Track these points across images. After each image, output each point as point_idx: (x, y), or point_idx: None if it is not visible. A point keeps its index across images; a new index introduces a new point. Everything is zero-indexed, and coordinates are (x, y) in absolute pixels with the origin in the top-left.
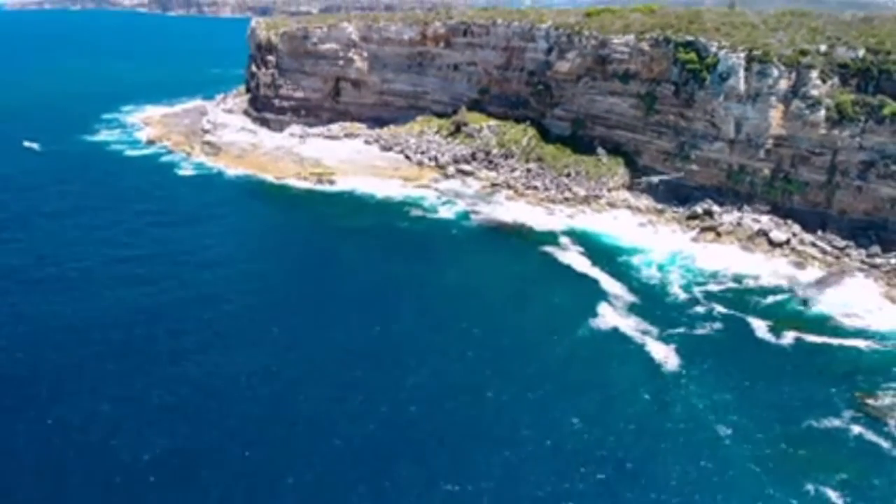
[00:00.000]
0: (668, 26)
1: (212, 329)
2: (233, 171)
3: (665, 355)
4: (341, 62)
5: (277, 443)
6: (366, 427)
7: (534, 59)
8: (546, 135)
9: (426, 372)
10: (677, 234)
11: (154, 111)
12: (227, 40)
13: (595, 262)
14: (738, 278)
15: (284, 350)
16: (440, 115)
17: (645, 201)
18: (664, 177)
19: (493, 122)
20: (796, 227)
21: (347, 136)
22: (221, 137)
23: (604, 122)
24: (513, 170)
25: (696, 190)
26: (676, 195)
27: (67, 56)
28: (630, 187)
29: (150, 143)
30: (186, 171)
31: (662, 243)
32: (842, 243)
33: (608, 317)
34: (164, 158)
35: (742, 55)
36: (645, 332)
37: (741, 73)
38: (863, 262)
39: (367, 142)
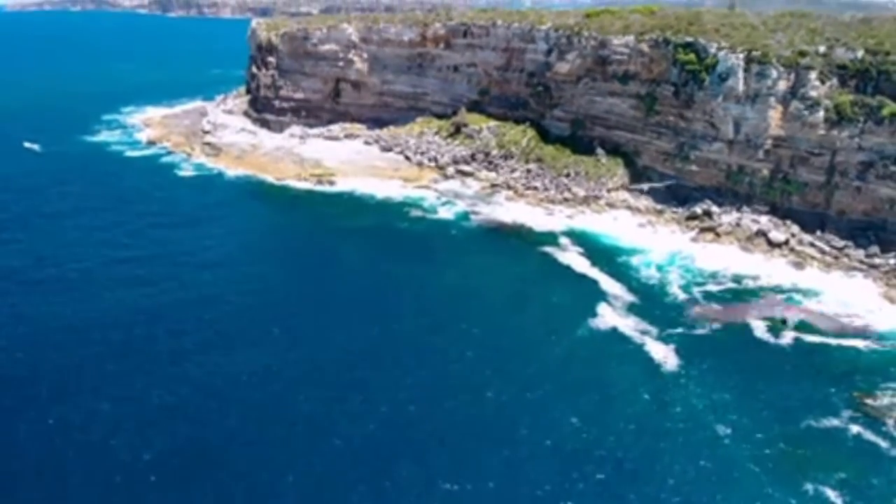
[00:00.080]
0: (667, 27)
1: (212, 329)
2: (233, 171)
3: (664, 355)
4: (341, 63)
5: (277, 443)
6: (366, 427)
7: (533, 61)
8: (546, 136)
9: (426, 372)
10: (676, 234)
11: (154, 112)
12: (227, 41)
13: (594, 263)
14: (737, 278)
15: (284, 350)
16: (440, 116)
17: (644, 202)
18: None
19: (492, 123)
20: (795, 228)
21: (347, 136)
22: (222, 138)
23: (603, 123)
24: (512, 170)
25: (695, 190)
26: (676, 196)
27: (67, 57)
28: (629, 189)
29: (151, 143)
30: (187, 171)
31: (662, 243)
32: (840, 244)
33: (607, 317)
34: (165, 159)
35: (741, 56)
36: (644, 332)
37: (740, 74)
38: (861, 262)
39: (367, 142)
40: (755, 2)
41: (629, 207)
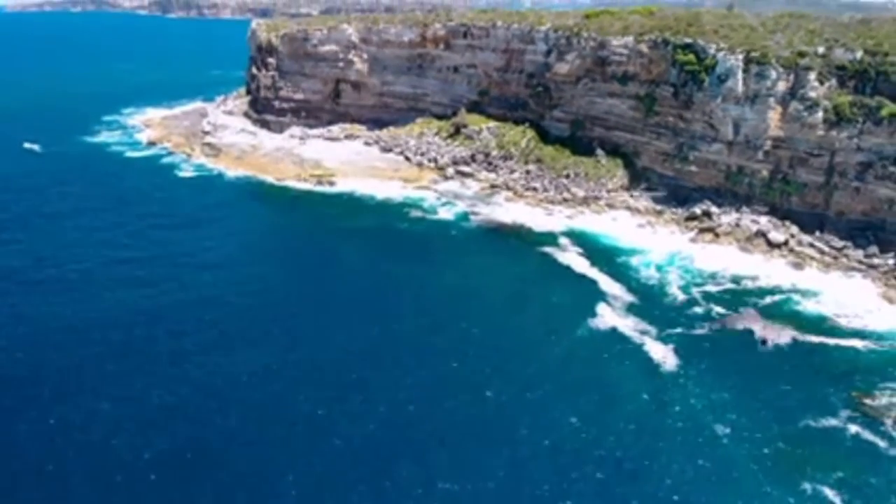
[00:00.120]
0: (666, 28)
1: (212, 330)
2: (233, 172)
3: (663, 355)
4: (341, 64)
5: (277, 443)
6: (366, 427)
7: (533, 61)
8: (545, 136)
9: (426, 372)
10: (676, 234)
11: (154, 113)
12: (227, 42)
13: (594, 263)
14: (736, 279)
15: (284, 350)
16: (440, 117)
17: (644, 202)
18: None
19: (492, 124)
20: (794, 228)
21: (347, 137)
22: (222, 139)
23: (603, 124)
24: (512, 171)
25: (694, 191)
26: (675, 196)
27: (68, 58)
28: (629, 190)
29: (151, 144)
30: (187, 172)
31: (661, 244)
32: (840, 244)
33: (607, 317)
34: (165, 160)
35: (740, 57)
36: (643, 333)
37: (739, 75)
38: (860, 262)
39: (366, 143)
40: (754, 3)
41: (629, 208)
